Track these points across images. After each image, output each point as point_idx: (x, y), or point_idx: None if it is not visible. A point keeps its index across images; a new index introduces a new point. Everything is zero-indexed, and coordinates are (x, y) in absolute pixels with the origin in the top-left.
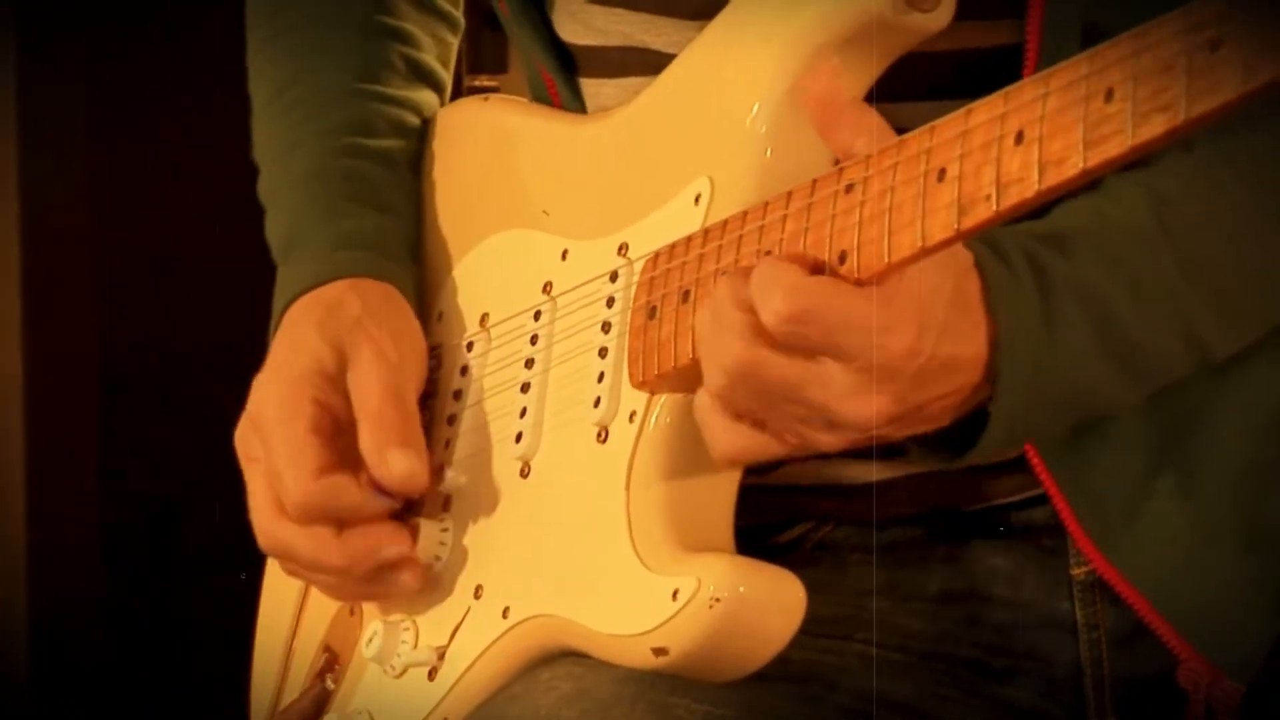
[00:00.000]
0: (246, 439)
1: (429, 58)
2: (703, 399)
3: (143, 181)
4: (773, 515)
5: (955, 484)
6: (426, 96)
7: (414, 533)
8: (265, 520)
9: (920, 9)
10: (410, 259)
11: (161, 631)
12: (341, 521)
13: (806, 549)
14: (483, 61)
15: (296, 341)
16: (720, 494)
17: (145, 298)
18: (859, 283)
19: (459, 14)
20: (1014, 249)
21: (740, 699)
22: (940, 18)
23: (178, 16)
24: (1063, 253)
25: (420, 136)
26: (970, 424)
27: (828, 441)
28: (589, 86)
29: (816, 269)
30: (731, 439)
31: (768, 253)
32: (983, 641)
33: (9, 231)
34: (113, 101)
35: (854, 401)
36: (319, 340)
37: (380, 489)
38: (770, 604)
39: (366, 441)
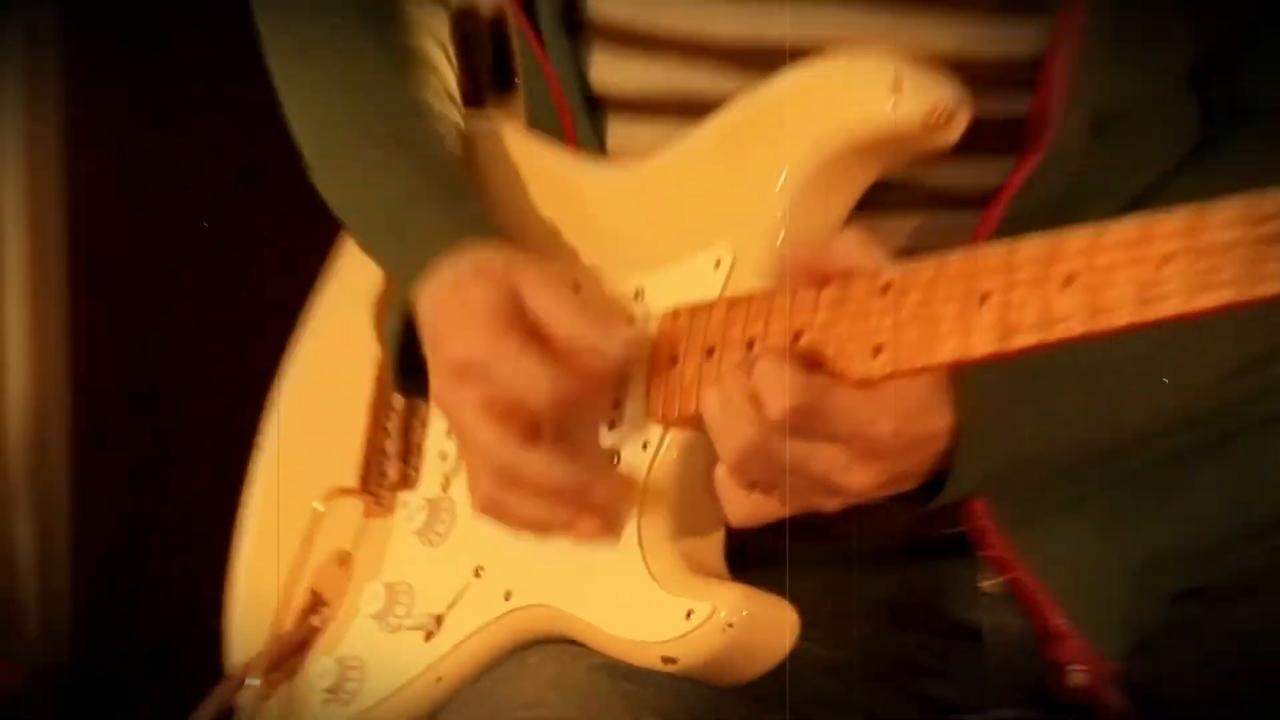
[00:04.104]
0: (446, 389)
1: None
2: (721, 472)
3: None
4: None
5: (900, 517)
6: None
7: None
8: (495, 445)
9: (936, 130)
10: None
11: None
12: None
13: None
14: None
15: (462, 292)
16: (716, 521)
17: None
18: (863, 381)
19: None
20: None
21: (697, 690)
22: (948, 140)
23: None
24: None
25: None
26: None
27: (829, 504)
28: (619, 127)
29: (813, 365)
30: (746, 506)
31: (769, 348)
32: (913, 643)
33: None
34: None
35: (851, 475)
36: (486, 286)
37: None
38: (771, 629)
39: (581, 328)
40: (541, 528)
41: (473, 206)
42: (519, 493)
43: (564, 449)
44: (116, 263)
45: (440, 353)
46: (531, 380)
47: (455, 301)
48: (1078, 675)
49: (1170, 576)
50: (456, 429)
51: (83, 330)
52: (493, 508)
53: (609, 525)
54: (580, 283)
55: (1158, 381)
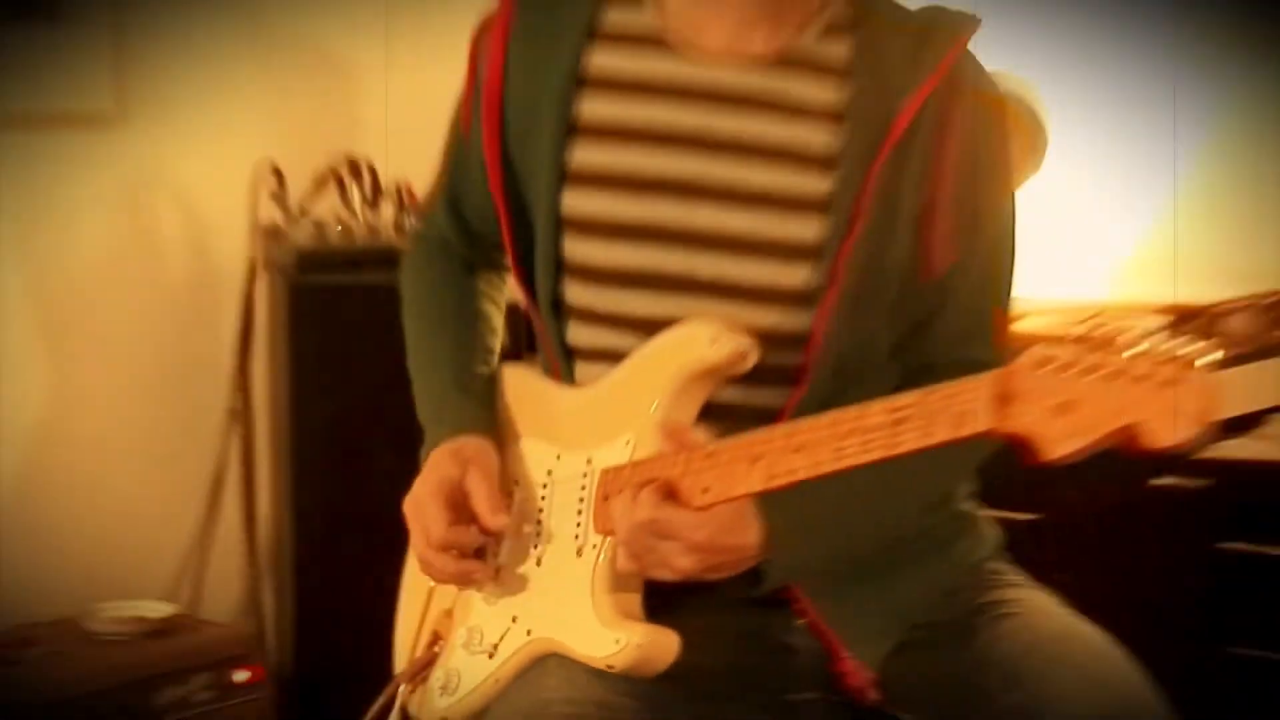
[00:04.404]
0: (409, 506)
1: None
2: (619, 545)
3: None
4: None
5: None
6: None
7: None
8: (420, 546)
9: (736, 364)
10: (492, 428)
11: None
12: (460, 551)
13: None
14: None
15: (441, 462)
16: (637, 588)
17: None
18: (699, 507)
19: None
20: None
21: (637, 682)
22: (745, 368)
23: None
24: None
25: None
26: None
27: (669, 575)
28: (582, 367)
29: (671, 494)
30: (626, 564)
31: (653, 480)
32: (754, 656)
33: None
34: None
35: (678, 561)
36: (452, 464)
37: (482, 533)
38: (663, 648)
39: (480, 507)
40: (447, 584)
41: (484, 415)
42: (433, 567)
43: (452, 557)
44: (322, 431)
45: (417, 482)
46: (432, 527)
47: (437, 460)
48: (852, 679)
49: (908, 618)
50: (408, 524)
51: (302, 476)
52: (422, 569)
53: (486, 583)
54: (505, 469)
55: (888, 510)
